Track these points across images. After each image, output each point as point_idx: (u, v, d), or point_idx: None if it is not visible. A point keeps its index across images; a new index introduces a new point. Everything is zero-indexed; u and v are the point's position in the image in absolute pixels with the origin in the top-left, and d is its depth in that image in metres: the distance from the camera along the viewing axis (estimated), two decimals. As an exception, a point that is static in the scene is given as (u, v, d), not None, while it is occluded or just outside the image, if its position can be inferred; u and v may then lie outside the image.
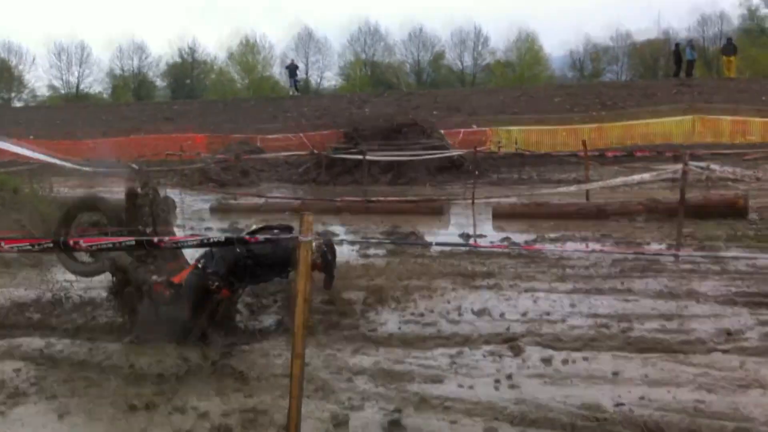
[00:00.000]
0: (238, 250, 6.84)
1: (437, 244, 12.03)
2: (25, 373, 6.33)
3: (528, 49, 58.23)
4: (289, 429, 4.48)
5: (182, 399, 5.65)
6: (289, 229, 6.98)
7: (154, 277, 7.09)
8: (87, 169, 14.43)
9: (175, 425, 5.23)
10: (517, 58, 58.09)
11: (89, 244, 5.33)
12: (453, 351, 6.52)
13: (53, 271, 9.32)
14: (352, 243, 11.85)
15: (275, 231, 6.96)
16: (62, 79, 58.20)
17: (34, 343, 7.15)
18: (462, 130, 30.35)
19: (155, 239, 6.04)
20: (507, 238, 12.30)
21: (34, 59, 57.19)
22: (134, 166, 8.68)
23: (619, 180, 14.32)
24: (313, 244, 6.71)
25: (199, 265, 7.01)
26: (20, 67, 57.17)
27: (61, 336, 7.38)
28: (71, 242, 5.12)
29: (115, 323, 7.51)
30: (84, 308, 8.18)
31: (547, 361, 6.15)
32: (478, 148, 20.66)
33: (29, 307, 8.35)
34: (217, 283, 6.81)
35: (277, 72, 56.72)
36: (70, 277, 8.42)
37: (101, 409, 5.53)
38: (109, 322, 7.62)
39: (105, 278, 7.72)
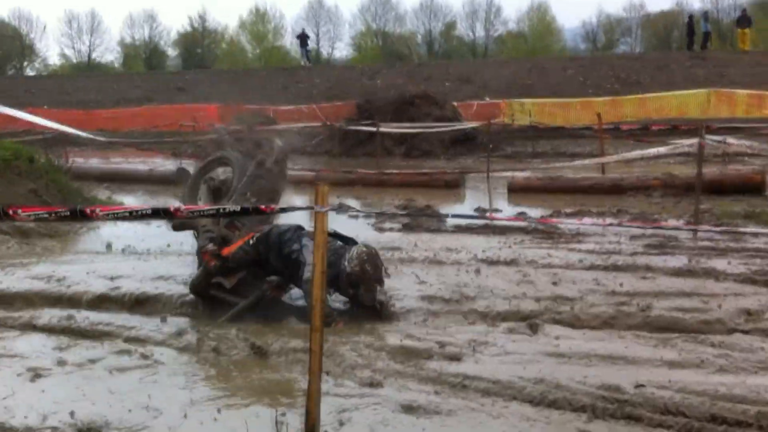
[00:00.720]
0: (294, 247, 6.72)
1: (453, 216, 12.01)
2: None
3: (540, 20, 57.64)
4: (308, 405, 4.48)
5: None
6: (352, 241, 6.85)
7: (209, 246, 7.07)
8: (101, 139, 14.42)
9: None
10: (530, 29, 57.55)
11: (105, 212, 5.32)
12: (471, 329, 6.48)
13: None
14: (367, 214, 11.87)
15: (337, 242, 6.77)
16: (73, 48, 57.99)
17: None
18: (475, 102, 30.15)
19: (172, 207, 6.00)
20: (523, 213, 12.25)
21: (45, 27, 56.98)
22: (278, 141, 8.47)
23: (635, 153, 14.27)
24: (354, 251, 6.68)
25: (251, 241, 6.95)
26: (31, 35, 56.94)
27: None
28: (88, 210, 5.05)
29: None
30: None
31: (565, 340, 6.10)
32: (492, 121, 20.57)
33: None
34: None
35: (288, 42, 56.29)
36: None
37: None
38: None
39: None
